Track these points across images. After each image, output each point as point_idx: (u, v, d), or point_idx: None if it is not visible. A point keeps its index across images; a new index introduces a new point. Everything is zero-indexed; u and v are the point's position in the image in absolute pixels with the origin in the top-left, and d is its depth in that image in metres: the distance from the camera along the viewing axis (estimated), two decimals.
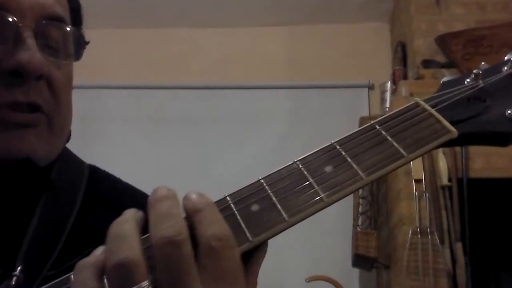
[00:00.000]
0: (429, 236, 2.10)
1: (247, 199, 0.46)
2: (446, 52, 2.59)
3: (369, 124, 0.48)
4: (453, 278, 2.05)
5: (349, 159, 0.46)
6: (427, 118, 0.48)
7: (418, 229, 2.11)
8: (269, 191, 0.46)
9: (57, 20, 0.61)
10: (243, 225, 0.45)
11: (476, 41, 2.57)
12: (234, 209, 0.46)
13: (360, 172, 0.45)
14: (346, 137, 0.48)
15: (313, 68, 3.12)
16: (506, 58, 0.50)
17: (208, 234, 0.40)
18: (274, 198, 0.45)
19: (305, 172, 0.46)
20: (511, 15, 2.60)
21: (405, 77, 2.67)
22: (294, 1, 3.07)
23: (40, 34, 0.59)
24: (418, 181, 2.17)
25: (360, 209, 2.50)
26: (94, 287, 0.39)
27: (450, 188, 2.18)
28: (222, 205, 0.46)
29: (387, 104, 2.72)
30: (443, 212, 2.15)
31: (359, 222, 2.45)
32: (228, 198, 0.47)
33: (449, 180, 2.18)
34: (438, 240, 2.08)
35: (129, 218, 0.42)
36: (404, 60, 2.81)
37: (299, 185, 0.46)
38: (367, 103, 3.03)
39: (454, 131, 0.47)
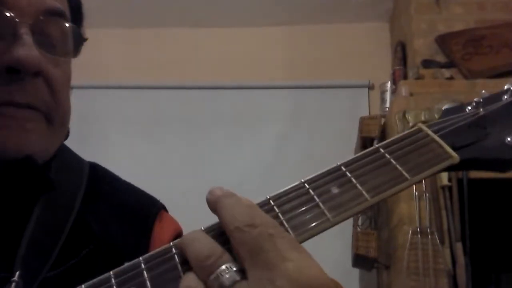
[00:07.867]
0: (429, 236, 2.10)
1: None
2: (446, 52, 2.59)
3: (373, 147, 0.50)
4: (453, 278, 2.05)
5: (354, 181, 0.47)
6: (429, 143, 0.49)
7: (418, 229, 2.12)
8: (277, 210, 0.47)
9: (56, 14, 0.60)
10: None
11: (476, 41, 2.57)
12: None
13: (365, 193, 0.46)
14: (352, 159, 0.49)
15: (312, 68, 3.12)
16: (506, 87, 0.52)
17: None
18: (281, 217, 0.46)
19: (312, 193, 0.47)
20: (511, 15, 2.61)
21: (405, 77, 2.66)
22: (294, 1, 3.07)
23: (37, 31, 0.58)
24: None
25: None
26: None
27: (450, 188, 2.18)
28: None
29: (387, 104, 2.72)
30: (443, 212, 2.16)
31: (359, 222, 2.45)
32: None
33: (449, 180, 2.19)
34: (438, 240, 2.09)
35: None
36: (404, 60, 2.81)
37: (306, 205, 0.47)
38: (367, 103, 3.04)
39: (456, 157, 0.48)
